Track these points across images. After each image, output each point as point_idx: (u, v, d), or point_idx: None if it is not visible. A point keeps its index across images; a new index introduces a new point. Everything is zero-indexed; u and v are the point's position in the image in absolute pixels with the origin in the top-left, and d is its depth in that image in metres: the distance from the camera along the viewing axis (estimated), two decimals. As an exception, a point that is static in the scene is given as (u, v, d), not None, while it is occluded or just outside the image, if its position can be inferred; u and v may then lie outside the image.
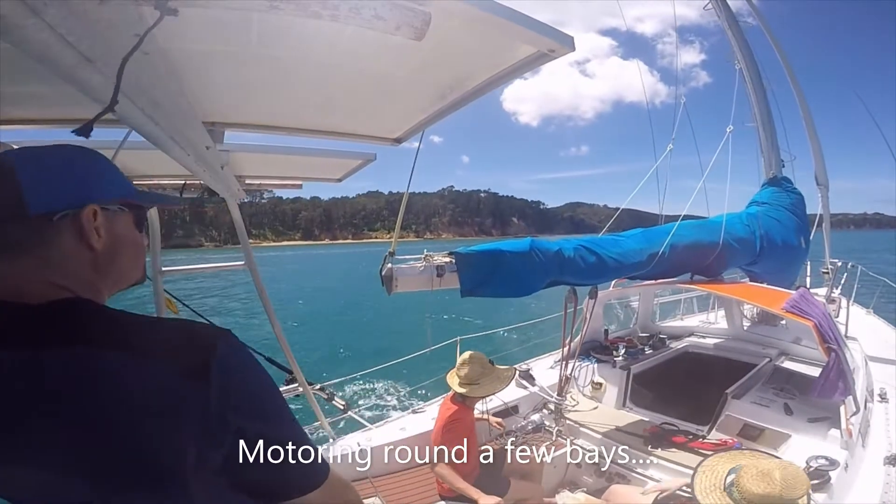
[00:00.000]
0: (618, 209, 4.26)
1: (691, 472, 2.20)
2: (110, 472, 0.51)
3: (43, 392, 0.51)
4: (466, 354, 2.65)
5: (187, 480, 0.53)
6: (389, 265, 2.20)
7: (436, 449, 2.41)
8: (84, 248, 0.61)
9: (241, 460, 0.56)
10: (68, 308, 0.57)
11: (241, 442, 0.56)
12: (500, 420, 3.11)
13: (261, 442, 0.58)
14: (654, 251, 2.97)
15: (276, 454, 0.60)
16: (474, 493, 2.33)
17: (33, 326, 0.54)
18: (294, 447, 0.63)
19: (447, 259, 2.31)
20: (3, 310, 0.55)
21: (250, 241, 2.47)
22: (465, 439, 2.46)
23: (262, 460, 0.58)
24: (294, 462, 0.62)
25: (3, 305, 0.55)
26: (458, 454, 2.41)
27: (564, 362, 3.32)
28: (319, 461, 0.66)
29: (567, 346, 3.29)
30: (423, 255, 2.28)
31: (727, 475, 1.71)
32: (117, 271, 0.67)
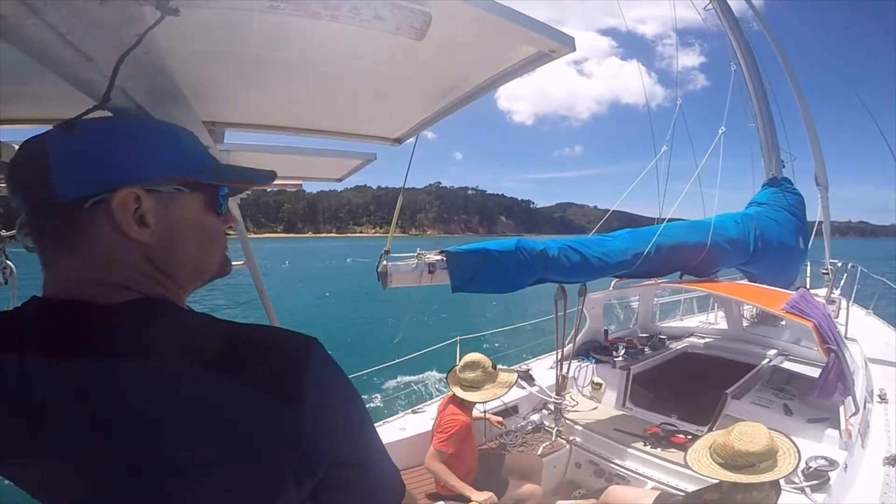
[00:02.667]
0: (608, 211, 4.28)
1: (690, 472, 2.21)
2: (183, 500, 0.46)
3: (92, 406, 0.46)
4: (470, 357, 2.66)
5: None
6: (385, 262, 2.33)
7: (431, 450, 2.41)
8: (129, 240, 0.51)
9: (331, 486, 0.52)
10: (132, 312, 0.50)
11: (333, 469, 0.50)
12: (500, 419, 3.11)
13: (351, 469, 0.54)
14: (640, 251, 3.04)
15: (364, 477, 0.56)
16: (467, 490, 2.33)
17: (91, 332, 0.49)
18: (381, 472, 0.59)
19: (438, 257, 2.42)
20: (57, 311, 0.50)
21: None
22: (463, 440, 2.47)
23: (349, 488, 0.54)
24: (379, 483, 0.59)
25: (58, 306, 0.50)
26: (454, 456, 2.42)
27: (560, 361, 3.33)
28: (399, 482, 0.62)
29: (562, 346, 3.30)
30: (415, 254, 2.40)
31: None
32: (185, 264, 0.57)
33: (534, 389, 3.45)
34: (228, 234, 0.65)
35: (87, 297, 0.50)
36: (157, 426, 0.45)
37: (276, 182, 2.53)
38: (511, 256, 2.57)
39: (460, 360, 2.76)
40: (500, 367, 2.79)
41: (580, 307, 3.40)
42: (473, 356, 2.68)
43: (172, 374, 0.46)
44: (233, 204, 2.32)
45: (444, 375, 2.73)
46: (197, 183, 0.57)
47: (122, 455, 0.46)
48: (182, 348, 0.48)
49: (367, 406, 0.58)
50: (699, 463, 1.81)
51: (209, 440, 0.45)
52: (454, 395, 2.62)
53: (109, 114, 0.70)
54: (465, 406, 2.57)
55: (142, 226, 0.52)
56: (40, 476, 0.51)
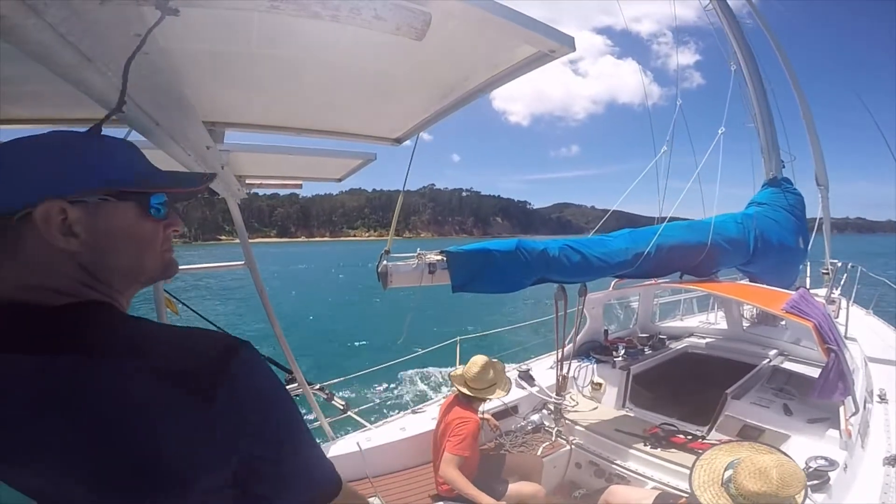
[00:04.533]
0: (606, 211, 4.27)
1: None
2: (109, 486, 0.48)
3: (30, 402, 0.48)
4: (483, 359, 2.68)
5: (196, 499, 0.50)
6: (385, 262, 2.32)
7: (447, 455, 2.40)
8: (57, 249, 0.54)
9: (250, 481, 0.54)
10: (68, 314, 0.53)
11: (251, 464, 0.53)
12: (496, 422, 3.11)
13: (272, 463, 0.56)
14: (640, 251, 3.03)
15: (287, 474, 0.58)
16: (485, 499, 2.33)
17: (32, 331, 0.51)
18: (306, 466, 0.61)
19: (439, 257, 2.41)
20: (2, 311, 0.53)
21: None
22: (475, 441, 2.48)
23: (273, 480, 0.56)
24: (306, 480, 0.61)
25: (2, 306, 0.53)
26: (469, 459, 2.42)
27: (560, 362, 3.33)
28: (332, 478, 0.64)
29: (562, 346, 3.30)
30: (416, 254, 2.39)
31: (725, 470, 1.70)
32: (117, 269, 0.59)
33: (534, 389, 3.45)
34: (175, 236, 0.67)
35: (24, 300, 0.53)
36: (96, 416, 0.48)
37: (277, 182, 2.54)
38: (511, 256, 2.56)
39: (459, 360, 2.76)
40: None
41: (580, 307, 3.39)
42: (484, 358, 2.70)
43: (107, 371, 0.49)
44: (233, 206, 2.33)
45: (449, 373, 2.73)
46: (124, 192, 0.59)
47: (65, 435, 0.48)
48: (117, 347, 0.51)
49: (297, 409, 0.61)
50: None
51: (135, 431, 0.48)
52: (458, 396, 2.62)
53: (124, 123, 0.71)
54: (473, 407, 2.59)
55: (69, 236, 0.54)
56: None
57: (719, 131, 3.93)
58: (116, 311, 0.58)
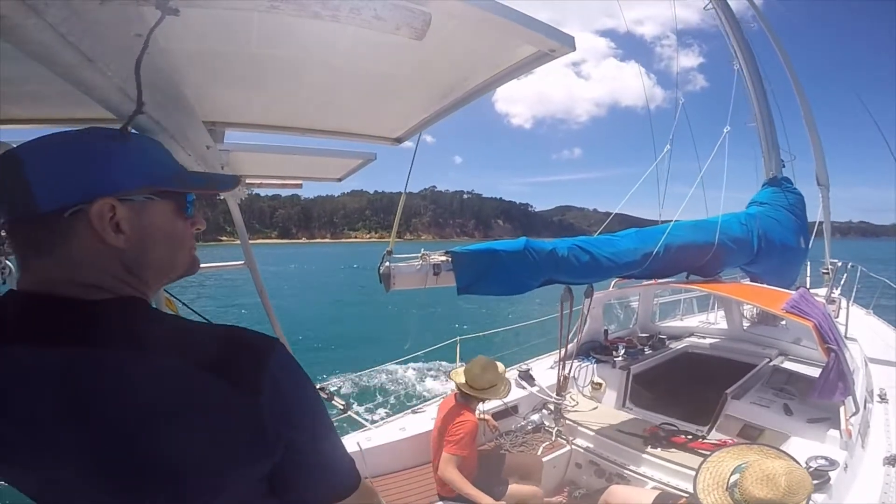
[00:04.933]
0: (608, 214, 4.26)
1: (690, 472, 2.20)
2: (147, 480, 0.50)
3: (76, 394, 0.50)
4: (486, 360, 2.66)
5: (235, 489, 0.53)
6: (388, 263, 2.25)
7: (445, 455, 2.40)
8: (104, 245, 0.56)
9: (285, 469, 0.57)
10: (110, 308, 0.55)
11: (288, 452, 0.56)
12: (495, 423, 3.11)
13: (305, 453, 0.59)
14: (649, 251, 2.99)
15: (316, 464, 0.62)
16: (485, 499, 2.32)
17: (77, 324, 0.53)
18: (333, 457, 0.65)
19: (443, 258, 2.35)
20: (36, 307, 0.54)
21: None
22: (473, 441, 2.47)
23: (303, 469, 0.60)
24: (331, 471, 0.64)
25: (38, 303, 0.54)
26: (468, 459, 2.42)
27: (562, 362, 3.32)
28: (353, 473, 0.67)
29: (565, 347, 3.29)
30: (420, 254, 2.33)
31: (731, 473, 1.68)
32: (154, 265, 0.62)
33: (534, 389, 3.45)
34: (197, 233, 0.70)
35: (64, 294, 0.54)
36: (141, 410, 0.50)
37: (277, 182, 2.54)
38: (519, 257, 2.48)
39: (460, 360, 2.76)
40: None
41: (586, 308, 3.37)
42: (485, 358, 2.68)
43: (152, 365, 0.51)
44: (233, 206, 2.33)
45: (449, 372, 2.72)
46: (166, 191, 0.61)
47: (107, 431, 0.50)
48: (159, 342, 0.54)
49: (324, 405, 0.66)
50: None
51: (182, 423, 0.51)
52: (457, 395, 2.61)
53: (115, 117, 0.72)
54: (471, 407, 2.58)
55: (118, 232, 0.56)
56: (31, 464, 0.54)
57: (724, 129, 3.91)
58: (150, 307, 0.61)
